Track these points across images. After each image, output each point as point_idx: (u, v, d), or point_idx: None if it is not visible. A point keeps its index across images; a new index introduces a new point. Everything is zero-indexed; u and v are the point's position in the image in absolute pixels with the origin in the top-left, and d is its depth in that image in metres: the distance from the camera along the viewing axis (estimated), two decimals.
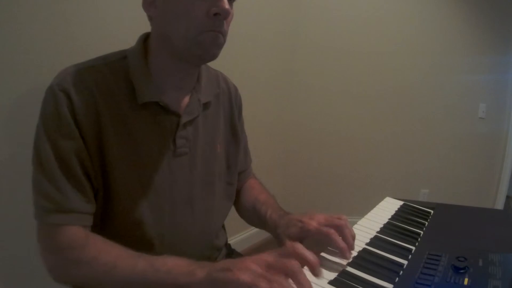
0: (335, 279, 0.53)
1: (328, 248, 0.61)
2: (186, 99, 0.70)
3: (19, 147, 0.95)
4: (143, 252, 0.56)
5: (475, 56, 2.37)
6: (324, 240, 0.61)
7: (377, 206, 0.85)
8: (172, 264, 0.52)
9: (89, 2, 1.09)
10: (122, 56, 0.67)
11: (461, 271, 0.54)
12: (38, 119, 0.61)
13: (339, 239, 0.60)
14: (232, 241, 1.96)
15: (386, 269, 0.56)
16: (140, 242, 0.66)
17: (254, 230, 2.12)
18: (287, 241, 0.63)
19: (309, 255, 0.49)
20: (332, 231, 0.60)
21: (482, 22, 2.34)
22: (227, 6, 0.59)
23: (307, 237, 0.64)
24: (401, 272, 0.55)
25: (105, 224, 0.65)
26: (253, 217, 0.82)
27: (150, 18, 0.66)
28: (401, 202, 0.88)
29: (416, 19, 2.31)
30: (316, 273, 0.49)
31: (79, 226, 0.59)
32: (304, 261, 0.48)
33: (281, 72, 2.24)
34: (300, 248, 0.49)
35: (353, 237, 0.62)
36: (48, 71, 0.99)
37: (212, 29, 0.60)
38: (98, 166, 0.62)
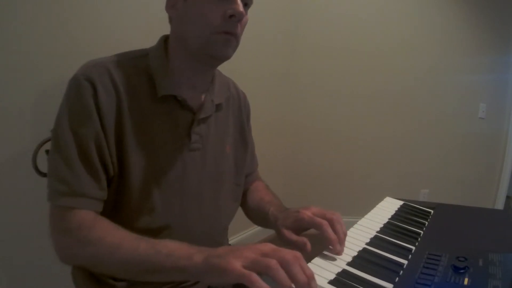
0: (335, 279, 0.53)
1: (329, 247, 0.61)
2: (201, 98, 0.73)
3: (20, 147, 0.96)
4: None
5: (475, 56, 2.37)
6: (316, 229, 0.63)
7: (377, 206, 0.85)
8: (172, 247, 0.53)
9: (89, 2, 1.10)
10: (144, 54, 0.71)
11: (461, 271, 0.54)
12: (59, 107, 0.63)
13: (329, 230, 0.61)
14: (232, 241, 1.96)
15: (386, 269, 0.56)
16: (149, 231, 0.67)
17: (254, 230, 2.12)
18: (285, 232, 0.67)
19: (307, 268, 0.48)
20: (324, 222, 0.63)
21: (482, 22, 2.34)
22: (241, 8, 0.63)
23: (301, 226, 0.67)
24: (401, 272, 0.55)
25: (116, 211, 0.66)
26: (258, 216, 0.84)
27: (170, 20, 0.70)
28: (401, 202, 0.88)
29: (416, 19, 2.31)
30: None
31: (89, 210, 0.61)
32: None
33: (281, 72, 2.24)
34: (301, 258, 0.48)
35: (344, 234, 0.64)
36: (49, 72, 1.00)
37: (225, 31, 0.64)
38: (115, 154, 0.64)
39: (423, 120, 2.41)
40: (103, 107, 0.62)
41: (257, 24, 1.93)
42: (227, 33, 0.64)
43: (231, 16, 0.63)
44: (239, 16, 0.64)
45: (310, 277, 0.47)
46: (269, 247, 0.49)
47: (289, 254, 0.47)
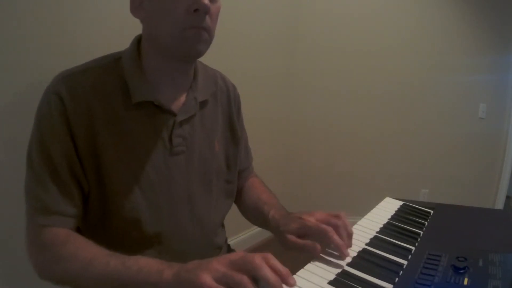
0: (335, 279, 0.53)
1: (327, 250, 0.61)
2: (182, 98, 0.70)
3: (19, 147, 0.95)
4: (143, 252, 0.56)
5: (475, 56, 2.37)
6: (321, 237, 0.62)
7: (377, 206, 0.85)
8: (143, 263, 0.52)
9: (89, 2, 1.09)
10: (117, 58, 0.68)
11: (461, 271, 0.54)
12: (33, 123, 0.62)
13: (335, 236, 0.60)
14: (232, 241, 1.96)
15: (386, 269, 0.56)
16: (139, 242, 0.67)
17: (254, 230, 2.12)
18: (290, 237, 0.65)
19: (280, 265, 0.48)
20: (329, 228, 0.61)
21: (482, 22, 2.34)
22: (206, 1, 0.59)
23: (306, 233, 0.65)
24: (401, 272, 0.55)
25: (104, 224, 0.66)
26: (255, 216, 0.82)
27: (142, 21, 0.67)
28: (401, 202, 0.88)
29: (416, 19, 2.31)
30: (289, 284, 0.48)
31: (63, 228, 0.61)
32: (275, 272, 0.47)
33: (282, 72, 2.24)
34: (271, 258, 0.48)
35: (350, 235, 0.63)
36: (47, 71, 0.99)
37: (193, 26, 0.61)
38: (92, 168, 0.62)
39: (423, 120, 2.41)
40: (73, 122, 0.60)
41: (257, 23, 1.93)
42: (195, 28, 0.61)
43: (195, 10, 0.59)
44: (204, 9, 0.59)
45: (285, 275, 0.47)
46: (237, 255, 0.49)
47: (256, 258, 0.47)
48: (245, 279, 0.44)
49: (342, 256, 0.59)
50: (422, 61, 2.34)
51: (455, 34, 2.34)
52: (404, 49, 2.32)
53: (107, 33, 1.14)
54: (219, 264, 0.47)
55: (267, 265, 0.47)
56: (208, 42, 0.65)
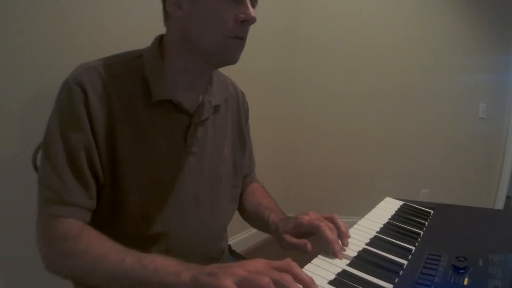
0: (335, 279, 0.53)
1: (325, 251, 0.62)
2: (198, 100, 0.71)
3: (20, 147, 0.96)
4: (149, 249, 0.55)
5: (475, 56, 2.37)
6: (315, 232, 0.63)
7: (377, 206, 0.85)
8: (160, 263, 0.51)
9: (90, 2, 1.10)
10: (138, 55, 0.68)
11: (461, 271, 0.54)
12: (51, 112, 0.62)
13: (327, 231, 0.61)
14: (232, 241, 1.96)
15: (386, 269, 0.56)
16: (146, 238, 0.67)
17: (254, 230, 2.12)
18: (286, 237, 0.66)
19: (303, 274, 0.48)
20: (321, 223, 0.63)
21: (482, 22, 2.34)
22: (254, 13, 0.63)
23: (301, 231, 0.67)
24: (401, 272, 0.55)
25: (112, 219, 0.66)
26: (256, 220, 0.83)
27: (167, 19, 0.67)
28: (401, 202, 0.88)
29: (416, 19, 2.31)
30: None
31: (76, 220, 0.60)
32: (298, 280, 0.47)
33: (282, 72, 2.24)
34: (295, 266, 0.48)
35: (345, 235, 0.64)
36: (48, 72, 1.00)
37: (238, 36, 0.64)
38: (107, 160, 0.63)
39: (423, 120, 2.41)
40: (94, 113, 0.60)
41: (257, 23, 1.93)
42: (239, 38, 0.64)
43: (243, 21, 0.63)
44: (252, 21, 0.64)
45: (309, 283, 0.47)
46: (260, 262, 0.48)
47: (281, 265, 0.47)
48: (265, 281, 0.43)
49: (334, 253, 0.59)
50: (422, 61, 2.34)
51: (455, 34, 2.34)
52: (404, 49, 2.32)
53: (108, 34, 1.14)
54: (240, 269, 0.46)
55: (290, 273, 0.46)
56: (242, 51, 0.68)
